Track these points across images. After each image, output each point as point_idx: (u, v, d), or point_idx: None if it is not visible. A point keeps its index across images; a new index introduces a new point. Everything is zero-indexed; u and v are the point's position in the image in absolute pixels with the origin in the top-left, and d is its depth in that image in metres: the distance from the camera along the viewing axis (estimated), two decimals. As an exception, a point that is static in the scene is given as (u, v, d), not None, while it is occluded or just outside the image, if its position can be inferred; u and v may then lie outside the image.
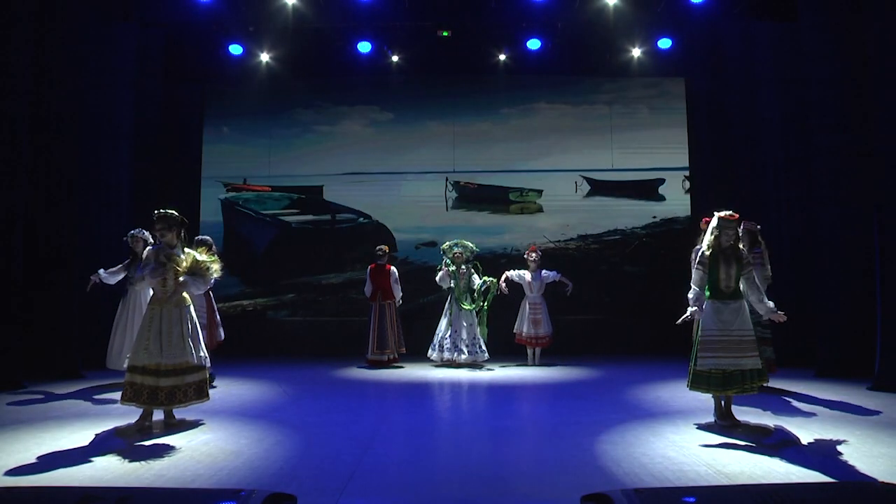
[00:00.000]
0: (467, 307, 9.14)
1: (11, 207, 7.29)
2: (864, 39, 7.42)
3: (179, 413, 5.51)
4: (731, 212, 5.40)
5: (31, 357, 7.57)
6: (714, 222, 5.40)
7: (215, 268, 5.52)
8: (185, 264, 5.37)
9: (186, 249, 5.46)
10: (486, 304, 9.15)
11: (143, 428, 5.24)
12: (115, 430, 5.19)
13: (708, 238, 5.41)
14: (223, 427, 5.33)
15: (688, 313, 5.40)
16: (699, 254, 5.47)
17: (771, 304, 5.35)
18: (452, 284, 9.21)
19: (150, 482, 3.90)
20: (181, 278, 5.29)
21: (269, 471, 4.15)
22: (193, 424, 5.37)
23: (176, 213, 5.48)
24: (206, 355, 5.54)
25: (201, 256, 5.48)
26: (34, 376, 7.38)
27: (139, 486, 3.78)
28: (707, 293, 5.41)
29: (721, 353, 5.22)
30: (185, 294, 5.37)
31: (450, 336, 9.10)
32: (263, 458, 4.42)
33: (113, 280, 7.20)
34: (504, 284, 9.19)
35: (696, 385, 5.39)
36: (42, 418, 5.64)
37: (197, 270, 5.39)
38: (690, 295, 5.38)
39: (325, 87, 11.44)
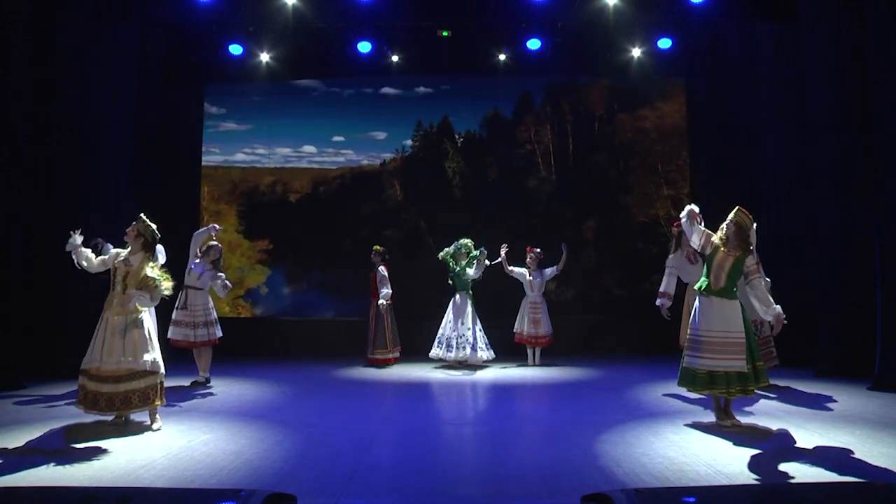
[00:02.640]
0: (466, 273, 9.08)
1: (11, 208, 7.29)
2: (864, 39, 7.42)
3: (177, 418, 5.50)
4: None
5: (31, 357, 7.57)
6: (733, 215, 5.35)
7: (166, 285, 5.39)
8: (137, 276, 5.31)
9: (146, 261, 5.38)
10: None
11: (118, 425, 5.26)
12: (65, 430, 5.17)
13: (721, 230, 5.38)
14: (223, 427, 5.33)
15: None
16: (707, 236, 5.40)
17: (777, 308, 5.24)
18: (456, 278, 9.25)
19: (150, 482, 3.90)
20: (128, 291, 5.27)
21: (269, 471, 4.15)
22: (146, 428, 5.26)
23: (152, 227, 5.45)
24: (158, 360, 5.35)
25: (153, 272, 5.36)
26: (34, 376, 7.38)
27: (139, 486, 3.78)
28: (700, 286, 5.40)
29: (704, 354, 5.19)
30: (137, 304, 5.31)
31: (452, 336, 9.12)
32: (263, 458, 4.42)
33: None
34: (504, 255, 9.10)
35: (682, 381, 5.40)
36: (42, 418, 5.64)
37: (145, 286, 5.31)
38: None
39: (324, 87, 11.44)
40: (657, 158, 11.27)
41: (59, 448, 4.65)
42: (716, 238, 5.39)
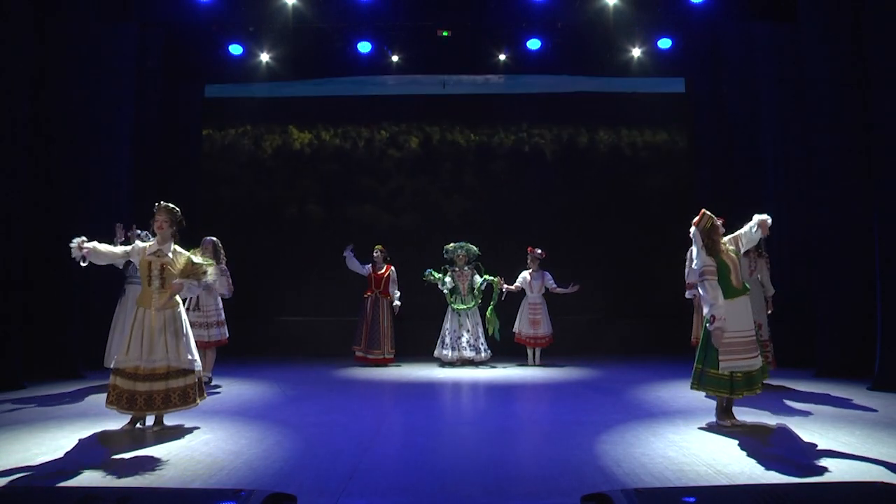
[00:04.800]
0: (460, 307, 9.26)
1: (11, 207, 7.29)
2: (864, 39, 7.42)
3: (176, 419, 5.37)
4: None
5: (31, 357, 7.57)
6: (704, 222, 5.29)
7: (210, 271, 5.32)
8: (178, 265, 5.19)
9: (178, 249, 5.28)
10: (491, 304, 9.25)
11: (133, 433, 5.07)
12: (100, 436, 5.02)
13: (700, 246, 5.29)
14: (223, 427, 5.33)
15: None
16: (700, 271, 5.24)
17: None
18: (450, 285, 9.32)
19: (150, 482, 3.89)
20: (175, 281, 5.12)
21: (269, 471, 4.15)
22: (185, 431, 5.13)
23: (178, 210, 5.34)
24: (197, 357, 5.28)
25: (197, 258, 5.31)
26: (34, 376, 7.37)
27: (139, 486, 3.78)
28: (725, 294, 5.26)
29: (742, 355, 5.15)
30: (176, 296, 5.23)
31: (460, 335, 9.21)
32: (263, 458, 4.42)
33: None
34: (505, 287, 9.26)
35: (712, 387, 5.23)
36: (42, 418, 5.64)
37: (192, 273, 5.19)
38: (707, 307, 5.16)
39: (324, 87, 11.43)
40: (657, 158, 11.27)
41: (101, 461, 4.38)
42: (707, 251, 5.25)
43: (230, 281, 7.65)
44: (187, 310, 7.36)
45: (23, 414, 5.86)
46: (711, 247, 5.25)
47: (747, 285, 5.39)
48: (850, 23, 7.78)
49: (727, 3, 9.74)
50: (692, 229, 5.34)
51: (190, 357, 5.20)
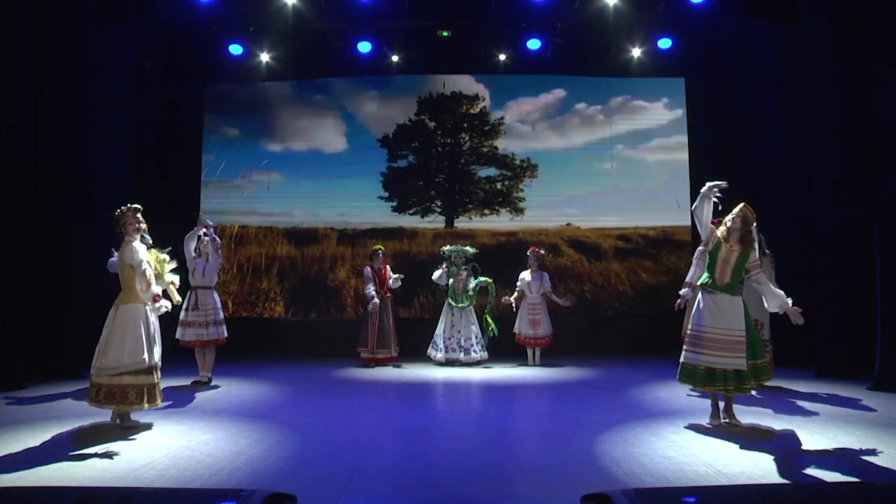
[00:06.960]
0: (459, 305, 9.31)
1: (11, 207, 7.30)
2: (864, 39, 7.42)
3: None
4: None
5: (31, 357, 7.57)
6: (737, 209, 5.32)
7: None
8: None
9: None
10: (487, 307, 9.39)
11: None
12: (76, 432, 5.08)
13: (725, 224, 5.35)
14: (223, 427, 5.33)
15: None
16: (712, 231, 5.37)
17: (781, 293, 5.32)
18: (450, 282, 9.37)
19: (150, 482, 3.90)
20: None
21: (269, 471, 4.15)
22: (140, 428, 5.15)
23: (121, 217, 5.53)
24: (147, 360, 5.17)
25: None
26: (34, 376, 7.38)
27: (139, 486, 3.78)
28: (703, 281, 5.37)
29: (706, 351, 5.17)
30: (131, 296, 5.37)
31: (450, 336, 9.21)
32: (263, 458, 4.42)
33: None
34: (512, 300, 9.30)
35: (682, 377, 5.36)
36: (42, 418, 5.64)
37: None
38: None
39: (324, 87, 11.45)
40: (657, 158, 11.28)
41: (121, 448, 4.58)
42: (719, 232, 5.36)
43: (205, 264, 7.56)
44: (186, 308, 7.41)
45: (23, 414, 5.86)
46: (728, 234, 5.28)
47: (736, 288, 5.33)
48: (850, 23, 7.78)
49: (727, 3, 9.76)
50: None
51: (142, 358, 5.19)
